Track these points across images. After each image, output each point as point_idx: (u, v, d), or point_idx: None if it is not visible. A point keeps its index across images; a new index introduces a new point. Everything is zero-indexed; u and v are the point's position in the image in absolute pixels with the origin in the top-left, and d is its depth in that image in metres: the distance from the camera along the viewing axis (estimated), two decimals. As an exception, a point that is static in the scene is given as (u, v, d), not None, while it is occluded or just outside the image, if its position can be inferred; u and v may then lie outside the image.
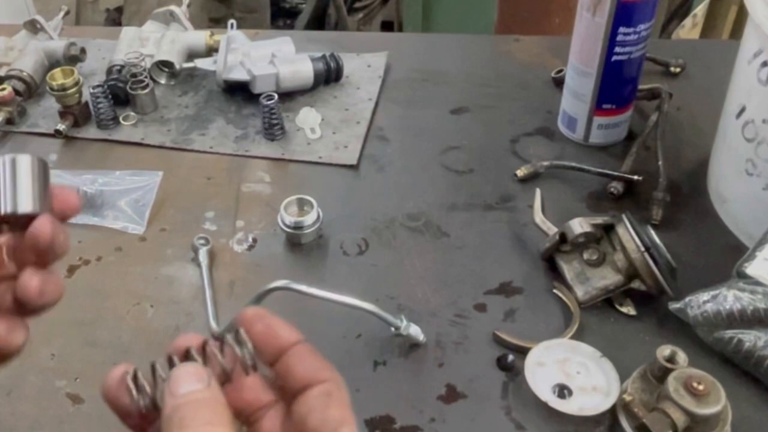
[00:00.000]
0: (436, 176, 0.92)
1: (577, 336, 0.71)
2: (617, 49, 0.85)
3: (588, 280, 0.74)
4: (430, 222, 0.86)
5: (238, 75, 1.03)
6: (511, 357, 0.70)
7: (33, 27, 1.11)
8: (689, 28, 1.92)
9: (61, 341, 0.74)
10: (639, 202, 0.86)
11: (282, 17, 2.64)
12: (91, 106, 1.01)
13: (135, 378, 0.37)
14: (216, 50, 1.08)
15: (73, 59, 1.08)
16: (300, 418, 0.38)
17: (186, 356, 0.38)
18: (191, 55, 1.10)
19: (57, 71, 0.99)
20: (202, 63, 1.07)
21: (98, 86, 0.99)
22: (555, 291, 0.76)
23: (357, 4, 2.71)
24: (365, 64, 1.11)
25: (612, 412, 0.63)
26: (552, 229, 0.79)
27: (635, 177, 0.87)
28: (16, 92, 1.02)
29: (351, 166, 0.94)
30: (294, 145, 0.97)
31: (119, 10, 2.17)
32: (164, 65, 1.08)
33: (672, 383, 0.60)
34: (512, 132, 0.98)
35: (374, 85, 1.07)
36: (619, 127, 0.93)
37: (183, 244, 0.83)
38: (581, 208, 0.86)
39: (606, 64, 0.87)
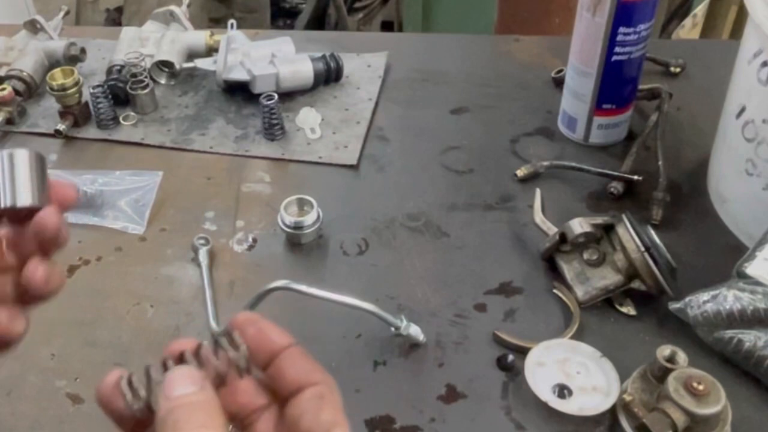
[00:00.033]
0: (436, 176, 0.92)
1: (577, 336, 0.71)
2: (617, 49, 0.85)
3: (588, 280, 0.74)
4: (430, 222, 0.86)
5: (238, 75, 1.03)
6: (511, 357, 0.70)
7: (33, 27, 1.11)
8: (689, 28, 1.92)
9: (61, 341, 0.74)
10: (639, 202, 0.86)
11: (282, 17, 2.64)
12: (91, 106, 1.01)
13: (130, 382, 0.37)
14: (216, 50, 1.08)
15: (73, 59, 1.08)
16: (293, 420, 0.38)
17: (180, 360, 0.38)
18: (191, 55, 1.10)
19: (57, 71, 0.99)
20: (202, 63, 1.07)
21: (98, 86, 0.99)
22: (555, 291, 0.76)
23: (357, 4, 2.71)
24: (365, 64, 1.11)
25: (612, 412, 0.63)
26: (552, 229, 0.79)
27: (635, 177, 0.87)
28: (16, 92, 1.02)
29: (351, 166, 0.94)
30: (294, 145, 0.97)
31: (119, 10, 2.17)
32: (164, 65, 1.08)
33: (672, 383, 0.60)
34: (512, 132, 0.98)
35: (374, 85, 1.07)
36: (619, 127, 0.93)
37: (183, 244, 0.83)
38: (581, 208, 0.86)
39: (606, 64, 0.87)
